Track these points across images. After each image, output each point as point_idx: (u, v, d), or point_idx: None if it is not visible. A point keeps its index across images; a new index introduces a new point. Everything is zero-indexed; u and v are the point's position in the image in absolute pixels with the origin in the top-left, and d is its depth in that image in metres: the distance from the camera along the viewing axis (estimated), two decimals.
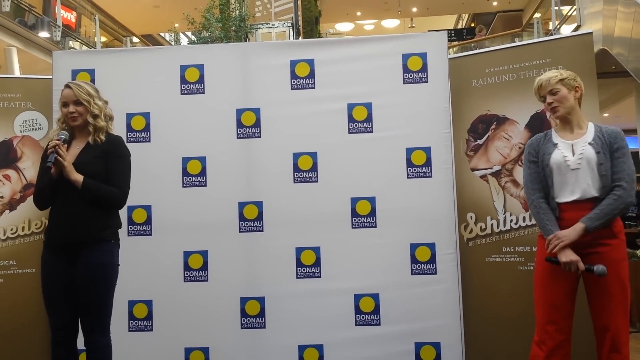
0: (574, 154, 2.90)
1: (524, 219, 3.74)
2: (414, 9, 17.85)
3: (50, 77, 4.03)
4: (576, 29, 8.65)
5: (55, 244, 2.98)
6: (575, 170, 2.87)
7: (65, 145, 2.99)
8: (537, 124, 3.72)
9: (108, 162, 3.01)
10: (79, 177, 2.91)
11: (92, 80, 3.90)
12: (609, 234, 2.83)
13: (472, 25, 20.14)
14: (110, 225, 3.02)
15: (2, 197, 4.00)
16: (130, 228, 3.86)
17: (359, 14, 18.15)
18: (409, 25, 19.68)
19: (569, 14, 9.74)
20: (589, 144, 2.90)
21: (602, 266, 2.74)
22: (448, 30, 17.47)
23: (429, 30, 15.18)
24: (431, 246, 3.78)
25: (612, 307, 2.79)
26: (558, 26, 10.03)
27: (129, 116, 3.95)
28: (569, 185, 2.89)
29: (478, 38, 15.03)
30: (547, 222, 2.90)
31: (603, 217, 2.78)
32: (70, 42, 10.99)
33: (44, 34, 10.04)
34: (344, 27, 20.12)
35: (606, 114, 11.49)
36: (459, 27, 21.26)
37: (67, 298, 2.95)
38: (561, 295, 2.86)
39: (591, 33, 3.82)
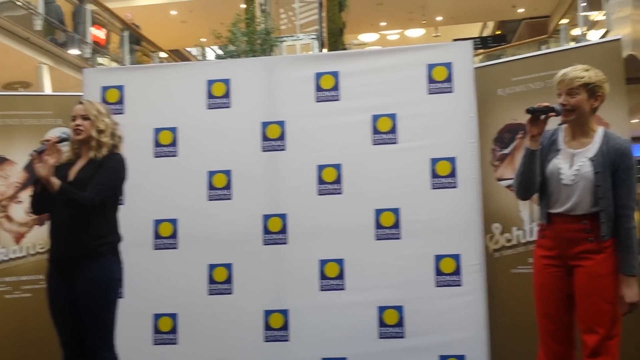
0: (571, 166, 2.76)
1: None
2: (439, 18, 17.78)
3: (81, 94, 4.10)
4: (604, 35, 8.53)
5: (53, 259, 3.05)
6: (568, 185, 2.74)
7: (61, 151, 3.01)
8: None
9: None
10: (55, 181, 2.87)
11: (122, 96, 4.01)
12: (594, 248, 2.69)
13: (498, 32, 20.00)
14: (106, 242, 3.02)
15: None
16: (157, 242, 3.91)
17: (383, 24, 18.14)
18: (434, 34, 19.60)
19: (596, 19, 9.61)
20: (590, 159, 2.71)
21: None
22: (473, 38, 17.39)
23: (454, 39, 15.10)
24: (456, 257, 3.74)
25: (590, 323, 2.67)
26: (586, 32, 9.90)
27: (157, 131, 4.01)
28: (560, 198, 2.77)
29: None
30: None
31: (634, 252, 2.67)
32: (99, 59, 11.18)
33: (74, 51, 10.24)
34: (368, 37, 20.14)
35: (635, 120, 11.26)
36: (484, 35, 21.11)
37: (70, 314, 2.98)
38: (554, 306, 2.79)
39: (619, 40, 3.76)
